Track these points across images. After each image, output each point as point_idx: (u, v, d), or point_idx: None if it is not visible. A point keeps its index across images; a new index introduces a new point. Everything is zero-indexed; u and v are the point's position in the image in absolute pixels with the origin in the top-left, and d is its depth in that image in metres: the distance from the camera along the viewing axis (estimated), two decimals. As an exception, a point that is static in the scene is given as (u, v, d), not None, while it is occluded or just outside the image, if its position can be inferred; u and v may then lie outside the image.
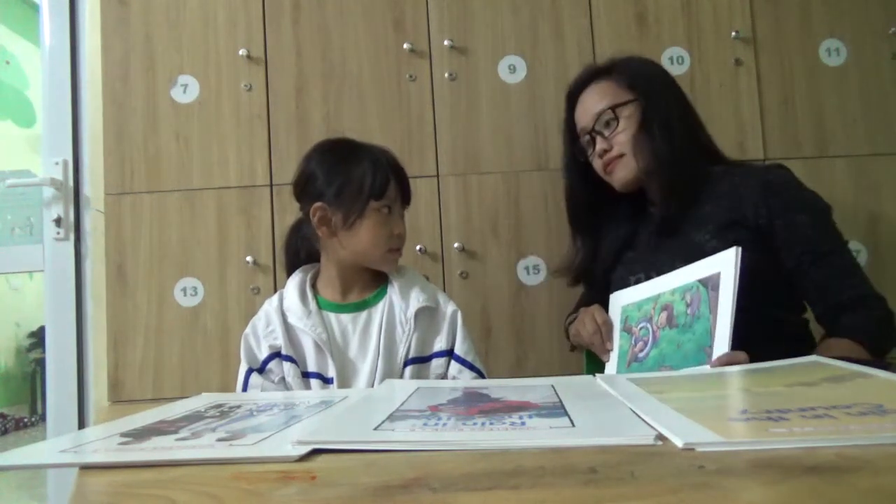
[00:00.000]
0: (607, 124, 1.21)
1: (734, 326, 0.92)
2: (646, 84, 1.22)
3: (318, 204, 1.10)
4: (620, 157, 1.20)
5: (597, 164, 1.24)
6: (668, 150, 1.17)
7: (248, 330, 1.15)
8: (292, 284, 1.16)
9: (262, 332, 1.14)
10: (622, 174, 1.21)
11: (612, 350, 1.14)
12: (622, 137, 1.19)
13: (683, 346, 0.99)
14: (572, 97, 1.29)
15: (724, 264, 0.96)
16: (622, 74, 1.23)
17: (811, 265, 1.09)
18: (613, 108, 1.20)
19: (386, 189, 1.10)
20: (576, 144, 1.28)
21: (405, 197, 1.16)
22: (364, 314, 1.14)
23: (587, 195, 1.31)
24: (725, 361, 0.89)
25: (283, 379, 1.11)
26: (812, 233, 1.11)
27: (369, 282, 1.17)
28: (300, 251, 1.21)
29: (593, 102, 1.23)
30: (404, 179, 1.15)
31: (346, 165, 1.11)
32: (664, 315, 1.05)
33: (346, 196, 1.09)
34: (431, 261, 1.57)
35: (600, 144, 1.21)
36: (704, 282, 0.99)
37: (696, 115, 1.26)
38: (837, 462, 0.40)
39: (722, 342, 0.92)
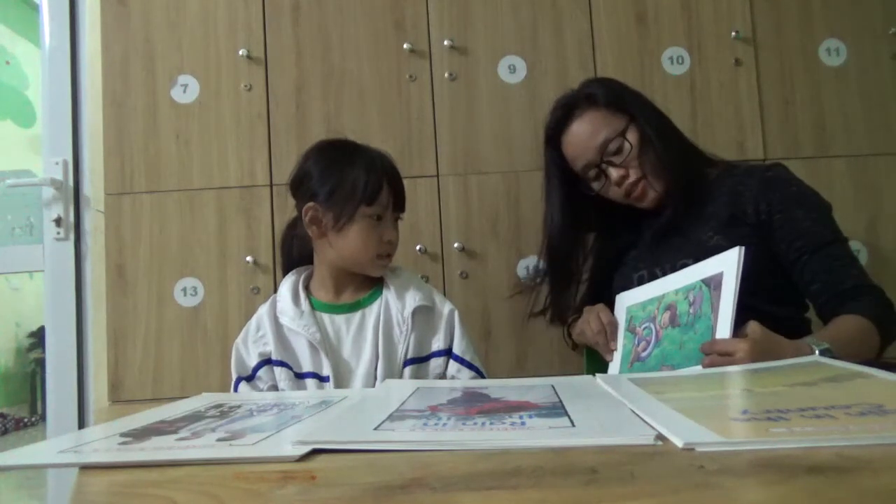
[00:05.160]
0: (617, 152, 1.18)
1: (735, 324, 0.92)
2: (629, 103, 1.21)
3: (310, 204, 1.10)
4: (641, 180, 1.19)
5: (615, 193, 1.22)
6: (671, 157, 1.18)
7: (239, 338, 1.16)
8: (285, 286, 1.17)
9: (253, 338, 1.14)
10: (650, 195, 1.20)
11: (616, 350, 1.15)
12: (637, 161, 1.18)
13: (685, 346, 0.99)
14: (554, 138, 1.25)
15: (727, 264, 0.96)
16: (602, 100, 1.21)
17: (811, 256, 1.10)
18: (622, 134, 1.18)
19: (378, 195, 1.10)
20: (578, 184, 1.25)
21: (398, 204, 1.15)
22: (358, 315, 1.14)
23: (572, 221, 1.28)
24: (720, 349, 0.90)
25: (273, 386, 1.11)
26: (811, 226, 1.11)
27: (363, 282, 1.17)
28: (294, 250, 1.22)
29: (589, 135, 1.20)
30: (399, 186, 1.14)
31: (341, 167, 1.11)
32: (667, 315, 1.06)
33: (337, 198, 1.09)
34: (431, 261, 1.57)
35: (616, 173, 1.19)
36: (707, 281, 1.00)
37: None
38: (837, 462, 0.40)
39: (721, 338, 0.93)
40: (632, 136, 1.18)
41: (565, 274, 1.30)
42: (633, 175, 1.19)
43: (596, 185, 1.23)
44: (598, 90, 1.23)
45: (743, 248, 0.95)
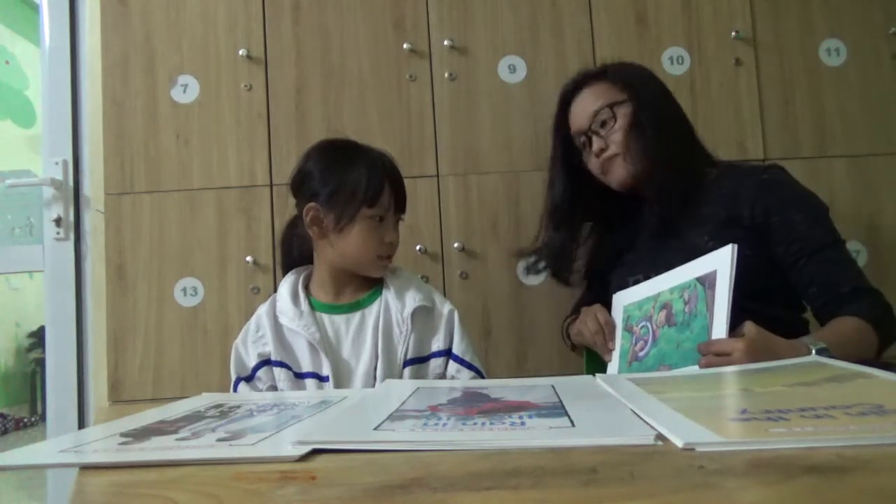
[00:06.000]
0: (604, 123, 1.21)
1: (732, 323, 0.92)
2: (639, 86, 1.23)
3: (311, 204, 1.10)
4: (615, 157, 1.20)
5: (593, 164, 1.24)
6: (658, 150, 1.17)
7: (238, 338, 1.16)
8: (285, 286, 1.17)
9: (252, 339, 1.14)
10: (618, 174, 1.22)
11: (614, 350, 1.15)
12: (618, 136, 1.20)
13: (682, 345, 0.99)
14: (565, 100, 1.29)
15: (721, 262, 0.96)
16: (616, 76, 1.24)
17: (809, 259, 1.10)
18: (611, 106, 1.20)
19: (380, 197, 1.10)
20: (570, 147, 1.28)
21: (399, 205, 1.15)
22: (357, 315, 1.14)
23: (571, 193, 1.29)
24: (716, 349, 0.90)
25: (272, 387, 1.11)
26: (809, 229, 1.11)
27: (363, 283, 1.17)
28: (294, 249, 1.22)
29: (589, 103, 1.23)
30: (400, 187, 1.14)
31: (342, 168, 1.11)
32: (663, 314, 1.06)
33: (338, 199, 1.09)
34: (431, 261, 1.56)
35: (597, 144, 1.21)
36: (702, 280, 1.00)
37: (687, 120, 1.27)
38: (837, 462, 0.40)
39: (718, 338, 0.93)
40: (622, 112, 1.20)
41: (556, 225, 1.30)
42: (611, 150, 1.20)
43: (584, 155, 1.25)
44: (617, 66, 1.27)
45: (735, 245, 0.95)
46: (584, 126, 1.23)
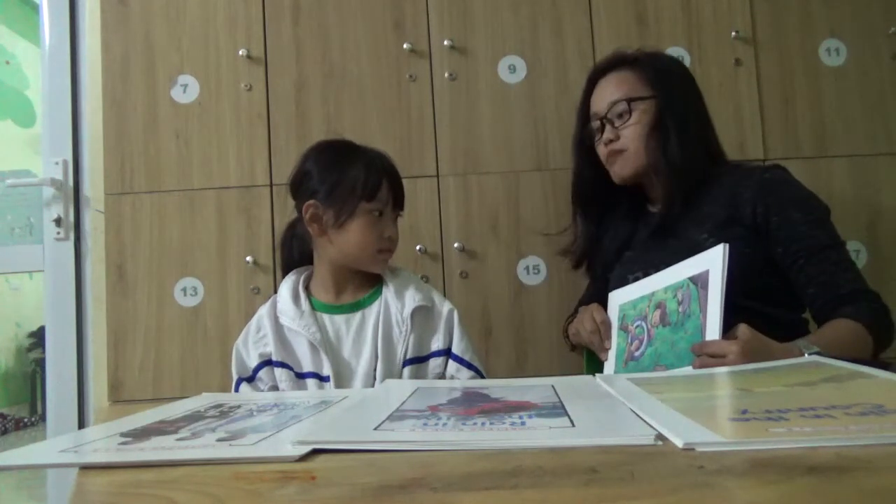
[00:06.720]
0: (620, 115, 1.21)
1: (729, 322, 0.92)
2: (667, 84, 1.21)
3: (310, 201, 1.11)
4: (622, 153, 1.20)
5: (601, 150, 1.25)
6: (678, 153, 1.17)
7: (239, 339, 1.17)
8: (285, 287, 1.17)
9: (253, 340, 1.14)
10: (620, 170, 1.22)
11: (610, 349, 1.14)
12: (630, 132, 1.19)
13: (677, 346, 0.99)
14: (592, 80, 1.28)
15: (713, 262, 0.96)
16: (646, 68, 1.22)
17: (808, 260, 1.10)
18: (629, 100, 1.19)
19: (378, 191, 1.11)
20: (585, 127, 1.28)
21: (398, 201, 1.15)
22: (358, 315, 1.14)
23: (592, 177, 1.30)
24: (710, 351, 0.90)
25: (273, 387, 1.12)
26: (809, 230, 1.11)
27: (363, 283, 1.17)
28: (294, 250, 1.22)
29: (611, 90, 1.23)
30: (398, 184, 1.15)
31: (341, 165, 1.12)
32: (658, 313, 1.05)
33: (338, 195, 1.10)
34: (431, 261, 1.56)
35: (608, 133, 1.21)
36: (694, 280, 0.99)
37: (709, 118, 1.26)
38: (837, 462, 0.40)
39: (712, 339, 0.93)
40: (641, 108, 1.19)
41: (581, 212, 1.34)
42: (620, 144, 1.20)
43: (595, 139, 1.25)
44: (649, 57, 1.25)
45: (727, 245, 0.94)
46: (601, 112, 1.23)
